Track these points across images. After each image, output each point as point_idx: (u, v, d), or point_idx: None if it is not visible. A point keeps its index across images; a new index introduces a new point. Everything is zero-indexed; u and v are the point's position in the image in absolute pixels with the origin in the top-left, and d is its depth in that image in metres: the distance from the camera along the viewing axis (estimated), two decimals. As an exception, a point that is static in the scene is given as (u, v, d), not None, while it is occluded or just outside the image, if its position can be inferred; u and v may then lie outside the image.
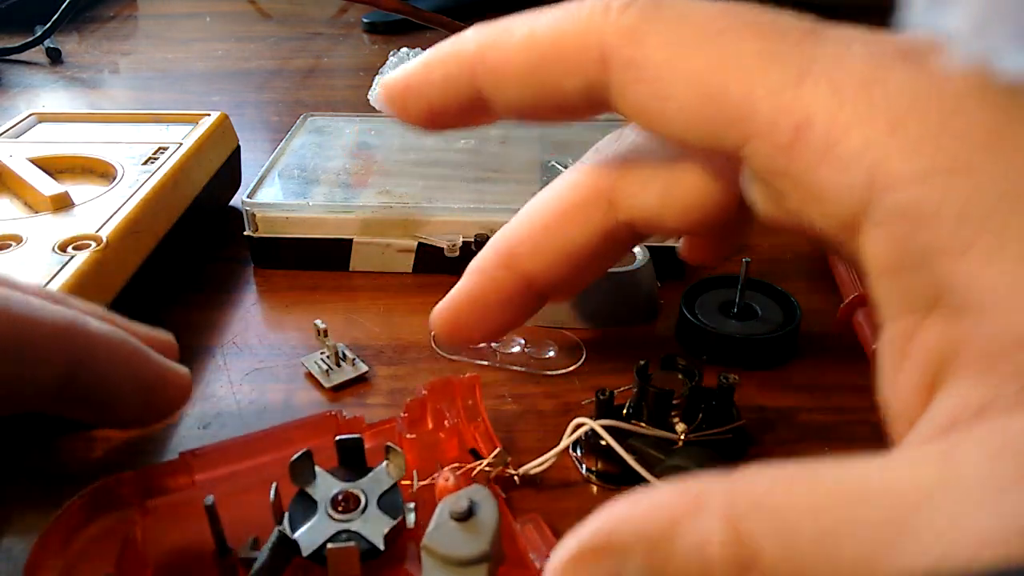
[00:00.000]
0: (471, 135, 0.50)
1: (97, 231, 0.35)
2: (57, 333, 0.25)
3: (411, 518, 0.25)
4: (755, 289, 0.37)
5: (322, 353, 0.34)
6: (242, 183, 0.50)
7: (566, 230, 0.25)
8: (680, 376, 0.29)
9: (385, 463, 0.25)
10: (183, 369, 0.29)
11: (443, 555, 0.21)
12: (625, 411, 0.29)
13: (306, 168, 0.45)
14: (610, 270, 0.36)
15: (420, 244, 0.40)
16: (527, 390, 0.33)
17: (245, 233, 0.40)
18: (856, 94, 0.17)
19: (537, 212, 0.26)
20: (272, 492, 0.24)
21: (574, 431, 0.27)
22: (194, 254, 0.43)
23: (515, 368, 0.34)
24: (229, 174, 0.48)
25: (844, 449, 0.30)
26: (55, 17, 0.76)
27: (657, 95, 0.19)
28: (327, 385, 0.33)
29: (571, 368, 0.34)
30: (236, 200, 0.49)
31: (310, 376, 0.34)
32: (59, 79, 0.73)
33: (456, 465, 0.26)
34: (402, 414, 0.28)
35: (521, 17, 0.22)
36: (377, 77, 0.67)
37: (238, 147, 0.49)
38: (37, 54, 0.77)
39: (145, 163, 0.41)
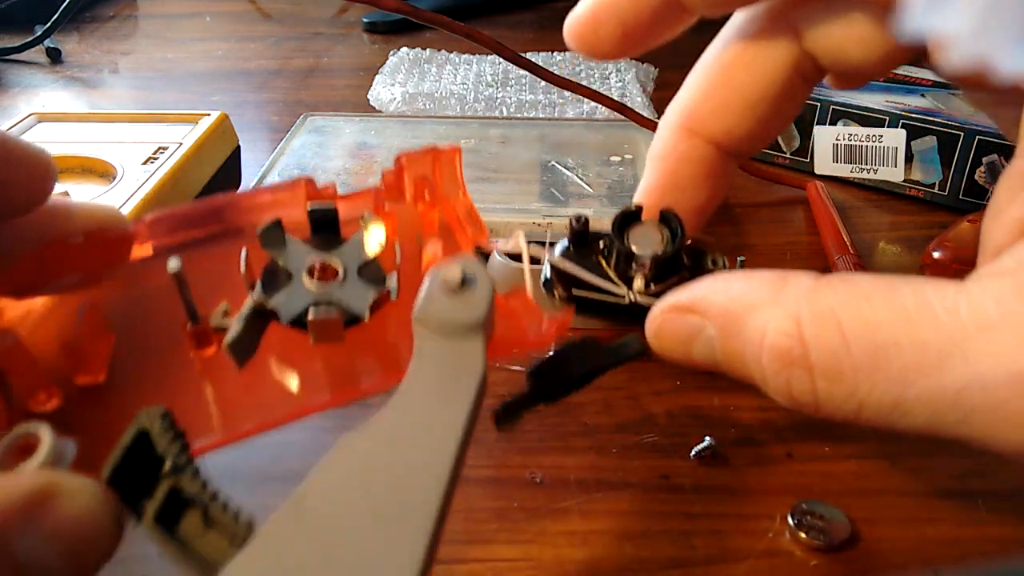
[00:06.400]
0: (471, 135, 0.51)
1: (97, 231, 0.35)
2: None
3: (394, 288, 0.23)
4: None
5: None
6: (242, 183, 0.50)
7: (752, 56, 0.24)
8: (666, 234, 0.25)
9: (363, 233, 0.23)
10: (40, 148, 0.22)
11: (438, 324, 0.19)
12: (602, 245, 0.25)
13: (306, 168, 0.45)
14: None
15: (420, 244, 0.40)
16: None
17: (245, 233, 0.40)
18: None
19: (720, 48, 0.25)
20: (242, 259, 0.22)
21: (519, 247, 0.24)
22: (194, 254, 0.43)
23: (515, 368, 0.34)
24: (229, 174, 0.48)
25: (838, 448, 0.30)
26: (55, 17, 0.76)
27: None
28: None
29: (571, 368, 0.34)
30: (236, 200, 0.49)
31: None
32: (59, 79, 0.73)
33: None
34: (379, 184, 0.26)
35: None
36: (377, 76, 0.67)
37: (238, 147, 0.49)
38: (37, 54, 0.77)
39: (145, 163, 0.41)
